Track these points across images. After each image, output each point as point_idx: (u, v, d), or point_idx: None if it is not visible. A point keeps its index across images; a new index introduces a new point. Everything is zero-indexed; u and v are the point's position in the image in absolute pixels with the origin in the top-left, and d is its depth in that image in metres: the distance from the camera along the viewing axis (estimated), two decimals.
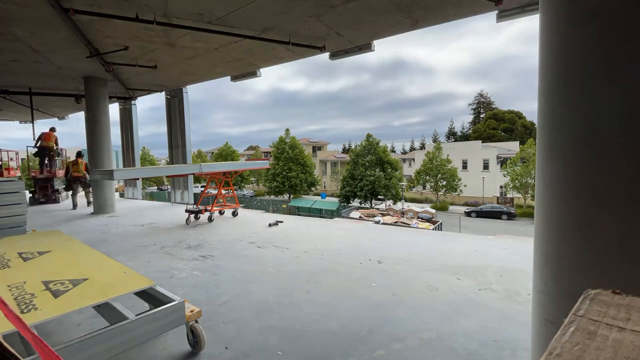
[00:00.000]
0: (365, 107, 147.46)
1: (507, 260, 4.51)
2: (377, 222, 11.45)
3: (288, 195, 39.37)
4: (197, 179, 10.62)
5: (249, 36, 5.99)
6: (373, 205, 33.75)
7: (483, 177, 39.55)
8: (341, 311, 3.04)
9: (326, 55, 7.07)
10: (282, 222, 7.39)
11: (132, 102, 12.25)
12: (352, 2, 4.85)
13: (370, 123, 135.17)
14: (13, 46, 6.46)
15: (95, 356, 1.81)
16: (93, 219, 8.28)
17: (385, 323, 2.80)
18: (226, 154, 45.36)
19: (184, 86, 10.89)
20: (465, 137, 63.76)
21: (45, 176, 11.48)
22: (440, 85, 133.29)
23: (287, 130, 38.85)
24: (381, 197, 34.52)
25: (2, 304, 0.96)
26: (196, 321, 2.39)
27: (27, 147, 12.56)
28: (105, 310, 2.31)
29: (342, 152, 63.85)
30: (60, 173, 11.85)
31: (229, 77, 9.05)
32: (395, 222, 20.11)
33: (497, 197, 38.69)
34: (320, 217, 24.63)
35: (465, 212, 33.73)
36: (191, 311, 2.37)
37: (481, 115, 67.06)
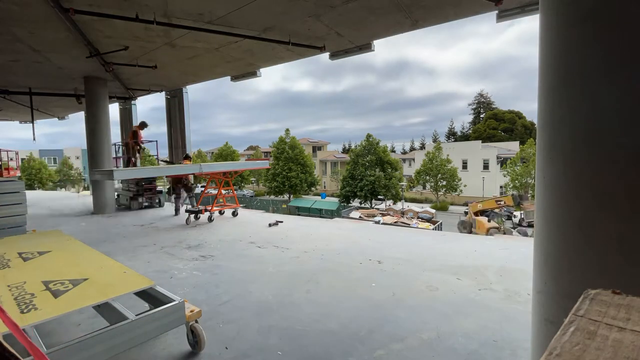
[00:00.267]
0: (366, 107, 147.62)
1: (507, 260, 4.51)
2: (377, 222, 11.45)
3: (288, 195, 39.37)
4: (196, 178, 10.47)
5: (249, 36, 5.99)
6: (373, 205, 33.73)
7: (483, 177, 39.54)
8: (341, 311, 3.04)
9: (329, 56, 7.07)
10: (282, 222, 7.39)
11: (132, 102, 12.26)
12: (352, 2, 4.85)
13: (371, 123, 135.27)
14: (13, 46, 6.46)
15: (95, 356, 1.81)
16: (93, 219, 8.28)
17: (385, 323, 2.80)
18: (226, 154, 45.34)
19: (184, 86, 10.89)
20: (465, 137, 63.73)
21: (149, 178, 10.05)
22: (441, 86, 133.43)
23: (287, 130, 38.84)
24: (381, 197, 34.50)
25: (0, 310, 0.97)
26: (196, 321, 2.39)
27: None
28: (105, 310, 2.31)
29: (342, 152, 63.84)
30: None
31: (230, 78, 9.06)
32: (395, 222, 20.10)
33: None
34: (320, 217, 24.63)
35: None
36: (191, 311, 2.37)
37: (481, 115, 67.04)
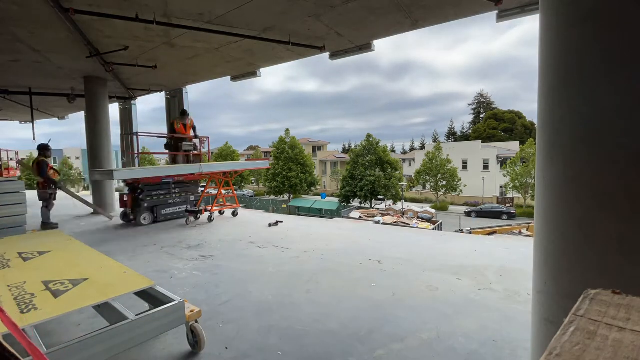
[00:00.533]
0: (368, 107, 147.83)
1: (507, 260, 4.51)
2: (377, 222, 11.45)
3: (288, 195, 39.37)
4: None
5: (249, 36, 5.99)
6: (373, 205, 33.73)
7: (483, 177, 39.53)
8: (341, 311, 3.04)
9: (329, 56, 7.07)
10: (282, 222, 7.39)
11: (132, 102, 12.25)
12: (352, 2, 4.85)
13: (372, 123, 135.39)
14: (13, 46, 6.46)
15: (95, 356, 1.81)
16: (93, 219, 8.28)
17: (385, 323, 2.80)
18: (226, 154, 45.33)
19: (184, 86, 10.88)
20: (465, 137, 63.71)
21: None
22: (442, 87, 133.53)
23: (287, 130, 38.84)
24: (381, 197, 34.50)
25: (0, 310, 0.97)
26: (196, 321, 2.39)
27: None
28: (105, 310, 2.31)
29: (342, 152, 63.84)
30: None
31: (230, 78, 9.06)
32: (395, 222, 20.10)
33: (497, 197, 38.68)
34: (320, 217, 24.63)
35: (465, 212, 33.73)
36: (191, 311, 2.37)
37: (481, 115, 67.03)
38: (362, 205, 33.41)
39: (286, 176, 36.86)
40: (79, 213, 9.16)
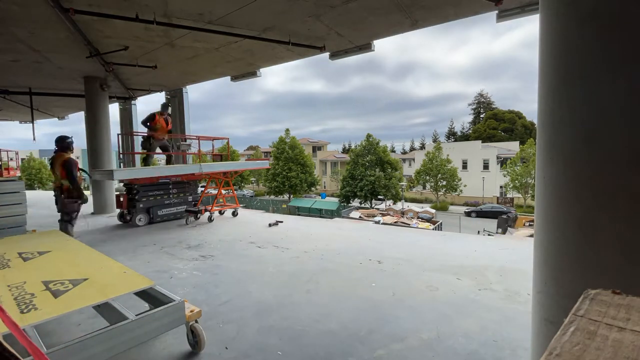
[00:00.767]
0: (369, 108, 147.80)
1: (507, 260, 4.51)
2: (377, 222, 11.44)
3: (288, 195, 39.35)
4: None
5: (249, 36, 5.99)
6: (373, 205, 33.71)
7: (483, 177, 39.51)
8: (341, 311, 3.04)
9: (329, 56, 7.07)
10: (282, 222, 7.39)
11: (132, 102, 12.25)
12: (352, 2, 4.85)
13: (372, 123, 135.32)
14: (13, 46, 6.46)
15: (95, 356, 1.81)
16: (93, 219, 8.28)
17: (385, 323, 2.80)
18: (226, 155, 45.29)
19: (184, 86, 10.88)
20: (465, 137, 63.70)
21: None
22: (443, 87, 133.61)
23: (287, 130, 38.83)
24: (381, 197, 34.48)
25: (0, 310, 0.97)
26: (196, 321, 2.39)
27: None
28: (105, 310, 2.31)
29: (342, 152, 63.83)
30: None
31: (230, 78, 9.06)
32: (395, 222, 20.09)
33: (497, 197, 38.66)
34: (320, 217, 24.62)
35: (465, 212, 33.70)
36: (191, 311, 2.37)
37: (481, 115, 67.02)
38: (362, 205, 33.39)
39: (286, 176, 36.86)
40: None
